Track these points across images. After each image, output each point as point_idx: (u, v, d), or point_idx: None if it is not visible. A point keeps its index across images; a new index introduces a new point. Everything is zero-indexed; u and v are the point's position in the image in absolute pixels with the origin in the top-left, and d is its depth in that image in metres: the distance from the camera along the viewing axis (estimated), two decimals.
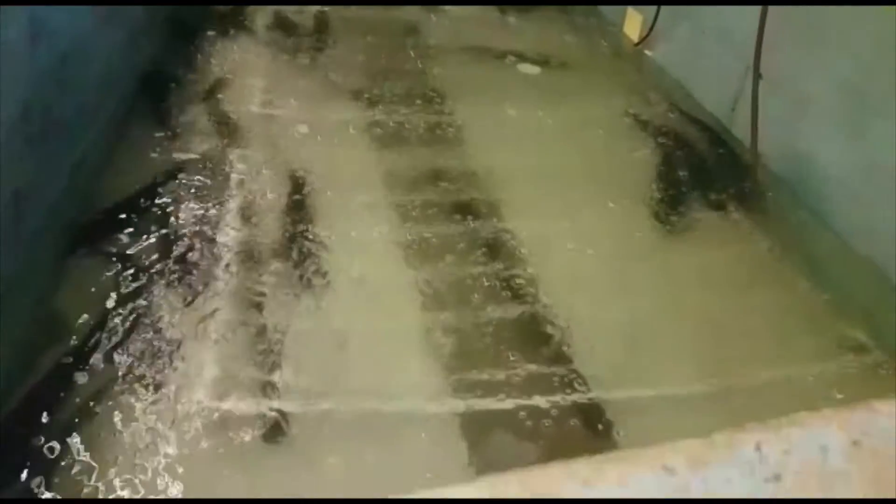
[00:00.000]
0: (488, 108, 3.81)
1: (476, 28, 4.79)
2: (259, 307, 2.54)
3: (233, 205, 3.01)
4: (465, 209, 3.10)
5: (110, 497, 1.90)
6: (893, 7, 2.56)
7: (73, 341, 2.32)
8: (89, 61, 3.01)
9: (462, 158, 3.42)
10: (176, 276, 2.63)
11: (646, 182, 3.31)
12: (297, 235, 2.88)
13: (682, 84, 3.99)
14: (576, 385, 2.32)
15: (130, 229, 2.80)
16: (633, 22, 4.43)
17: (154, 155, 3.24)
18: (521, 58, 4.32)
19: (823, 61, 2.95)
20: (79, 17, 2.90)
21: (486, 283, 2.71)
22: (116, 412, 2.12)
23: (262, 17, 4.75)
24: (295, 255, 2.79)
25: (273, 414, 2.17)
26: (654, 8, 4.15)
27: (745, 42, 3.19)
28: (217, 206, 2.98)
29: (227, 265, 2.71)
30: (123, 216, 2.85)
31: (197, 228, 2.85)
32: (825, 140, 2.97)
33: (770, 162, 3.27)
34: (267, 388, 2.26)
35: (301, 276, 2.69)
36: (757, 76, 3.17)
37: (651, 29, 4.21)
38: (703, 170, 3.43)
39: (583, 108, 3.87)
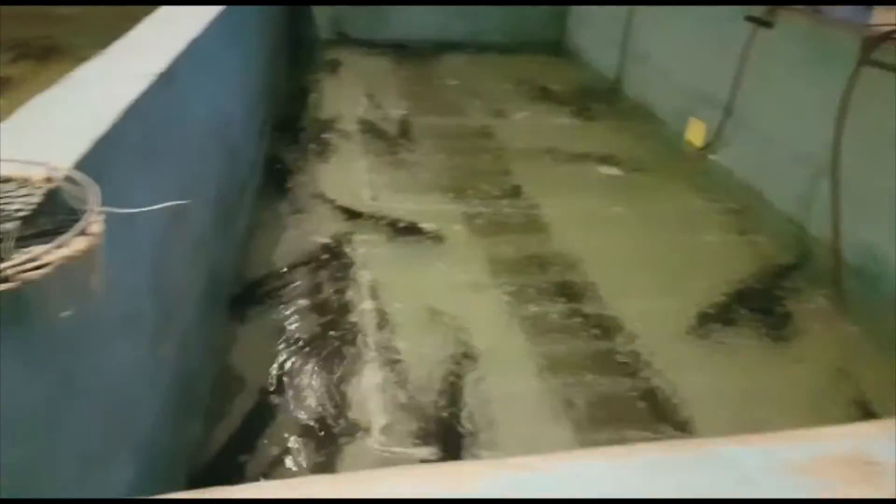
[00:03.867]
0: (572, 202, 4.19)
1: (543, 133, 5.28)
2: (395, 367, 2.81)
3: (363, 280, 3.32)
4: (566, 290, 3.38)
5: None
6: None
7: (253, 398, 2.57)
8: (242, 152, 3.44)
9: (555, 246, 3.74)
10: (327, 340, 2.91)
11: (730, 271, 3.60)
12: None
13: (749, 185, 4.38)
14: None
15: (281, 298, 3.12)
16: (696, 129, 4.90)
17: (289, 233, 3.63)
18: (601, 160, 4.75)
19: (885, 164, 3.35)
20: (238, 119, 3.35)
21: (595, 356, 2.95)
22: (298, 458, 2.35)
23: (350, 123, 5.28)
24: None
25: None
26: (715, 116, 4.63)
27: (811, 147, 3.60)
28: (351, 283, 3.29)
29: (367, 333, 2.99)
30: (273, 286, 3.19)
31: (337, 299, 3.16)
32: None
33: (846, 254, 3.60)
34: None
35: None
36: (836, 180, 3.56)
37: (717, 135, 4.66)
38: (787, 267, 3.69)
39: (658, 203, 4.24)
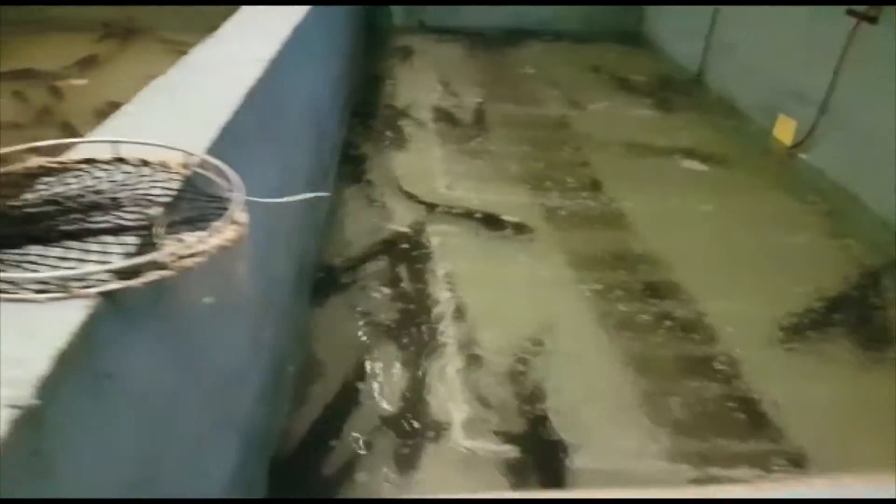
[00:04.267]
0: (654, 197, 4.07)
1: (622, 124, 5.15)
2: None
3: (441, 271, 3.31)
4: (652, 289, 3.28)
5: None
6: None
7: (336, 383, 2.59)
8: (327, 137, 3.46)
9: (638, 243, 3.65)
10: (407, 330, 2.90)
11: (822, 275, 3.44)
12: None
13: (843, 186, 4.18)
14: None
15: (359, 285, 3.13)
16: (786, 126, 4.70)
17: (366, 221, 3.65)
18: (684, 154, 4.60)
19: None
20: (326, 105, 3.37)
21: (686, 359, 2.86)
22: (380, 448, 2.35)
23: (425, 110, 5.26)
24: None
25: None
26: (806, 113, 4.42)
27: None
28: (430, 273, 3.28)
29: (446, 324, 2.97)
30: (352, 273, 3.21)
31: (414, 288, 3.16)
32: None
33: None
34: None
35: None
36: None
37: (809, 134, 4.46)
38: (883, 274, 3.50)
39: (745, 202, 4.08)
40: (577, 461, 2.36)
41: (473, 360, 2.79)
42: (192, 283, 1.06)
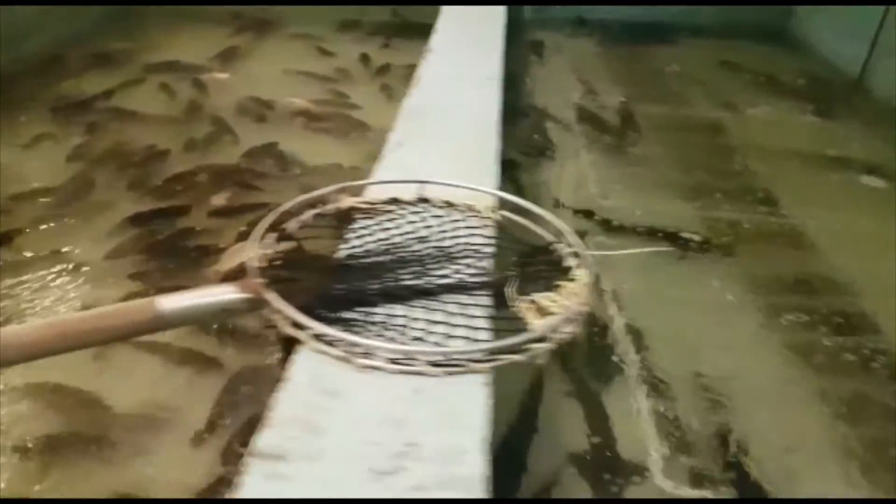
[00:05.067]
0: (835, 215, 3.78)
1: (784, 131, 4.83)
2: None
3: (605, 288, 3.17)
4: (843, 319, 3.03)
5: None
6: None
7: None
8: None
9: (822, 266, 3.38)
10: (581, 351, 2.79)
11: None
12: None
13: None
14: None
15: None
16: None
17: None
18: (862, 169, 4.26)
19: None
20: None
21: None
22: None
23: (567, 111, 5.09)
24: None
25: None
26: None
27: None
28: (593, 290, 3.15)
29: (622, 349, 2.84)
30: None
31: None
32: None
33: None
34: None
35: None
36: None
37: None
38: None
39: None
40: None
41: (656, 389, 2.64)
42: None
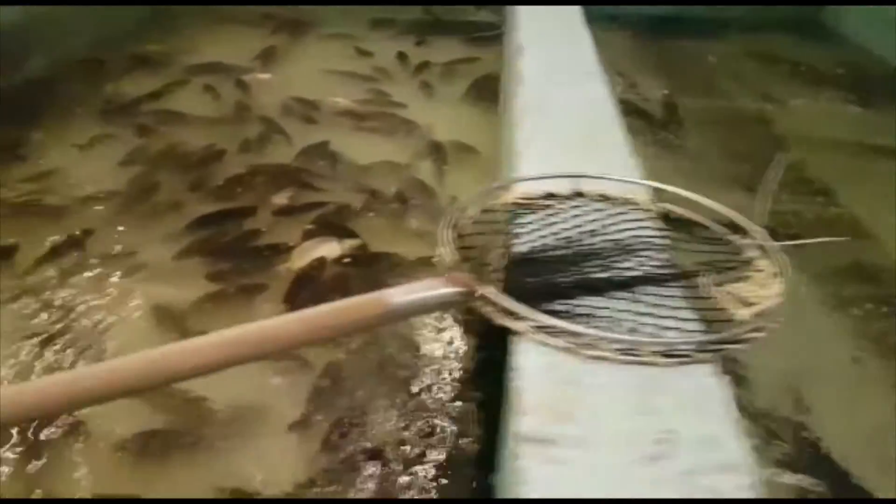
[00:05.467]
0: (890, 203, 3.75)
1: (830, 122, 4.81)
2: None
3: None
4: None
5: None
6: None
7: None
8: None
9: (883, 257, 3.37)
10: None
11: None
12: None
13: None
14: None
15: None
16: None
17: None
18: None
19: None
20: None
21: None
22: None
23: None
24: None
25: None
26: None
27: None
28: None
29: None
30: None
31: None
32: None
33: None
34: None
35: None
36: None
37: None
38: None
39: None
40: None
41: (740, 380, 2.64)
42: None
